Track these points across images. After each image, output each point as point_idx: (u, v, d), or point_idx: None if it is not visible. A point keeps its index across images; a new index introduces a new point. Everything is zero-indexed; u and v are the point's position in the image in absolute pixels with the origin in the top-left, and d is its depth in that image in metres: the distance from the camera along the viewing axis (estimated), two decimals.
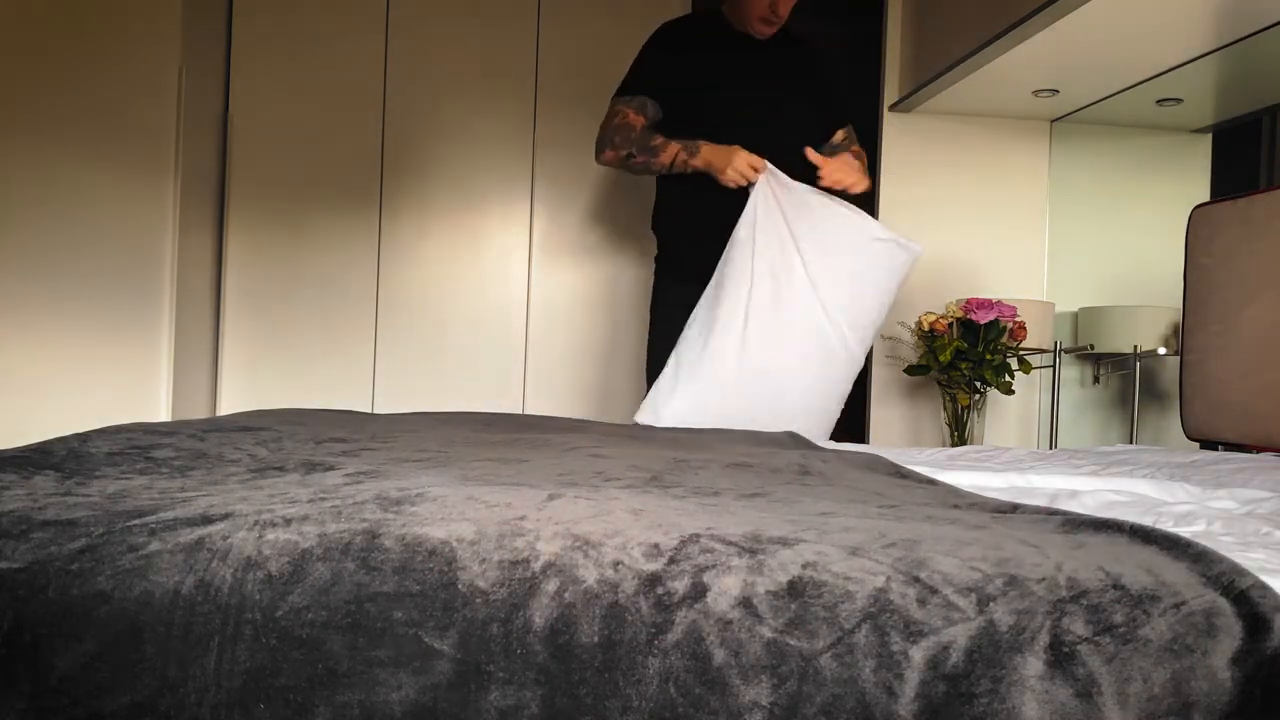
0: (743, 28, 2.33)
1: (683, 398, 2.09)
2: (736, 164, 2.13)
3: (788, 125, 2.34)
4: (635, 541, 0.69)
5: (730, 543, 0.70)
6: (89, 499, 0.78)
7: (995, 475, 1.45)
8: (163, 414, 2.78)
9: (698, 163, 2.18)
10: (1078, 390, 3.32)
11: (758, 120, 2.29)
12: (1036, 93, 2.90)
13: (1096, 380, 3.33)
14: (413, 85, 3.28)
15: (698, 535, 0.71)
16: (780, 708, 0.60)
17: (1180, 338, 2.66)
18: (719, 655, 0.62)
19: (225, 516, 0.72)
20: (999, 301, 2.84)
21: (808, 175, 2.26)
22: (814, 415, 2.18)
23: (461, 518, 0.73)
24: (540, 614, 0.63)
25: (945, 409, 2.94)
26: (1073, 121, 3.20)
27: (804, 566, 0.67)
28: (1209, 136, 3.25)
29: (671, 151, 2.20)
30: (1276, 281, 2.30)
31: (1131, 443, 2.93)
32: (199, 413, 3.08)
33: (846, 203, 2.26)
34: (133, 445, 1.09)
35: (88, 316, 2.76)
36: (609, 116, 2.32)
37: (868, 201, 3.05)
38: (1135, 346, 3.03)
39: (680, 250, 2.38)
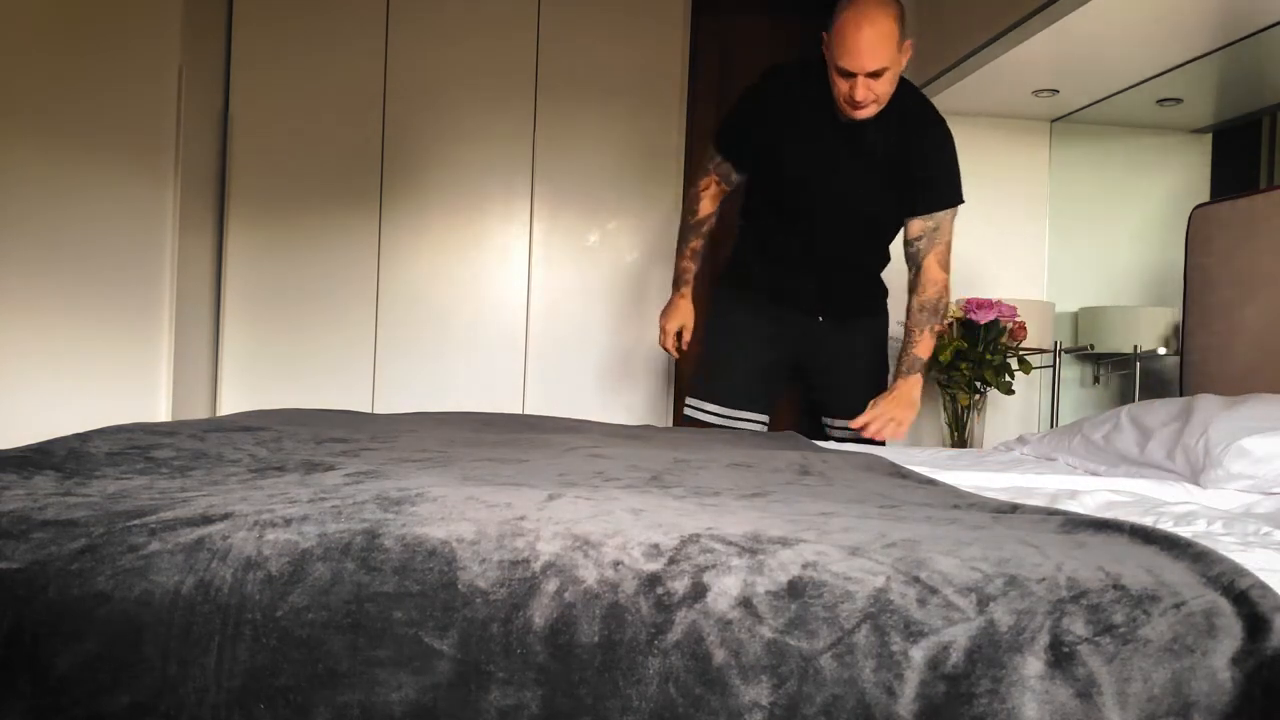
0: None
1: None
2: (660, 330, 2.37)
3: (861, 200, 2.26)
4: (635, 541, 0.69)
5: (730, 543, 0.70)
6: (89, 499, 0.78)
7: (995, 475, 1.45)
8: (163, 414, 2.77)
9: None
10: (1078, 390, 3.31)
11: (831, 189, 2.24)
12: (1036, 93, 2.90)
13: (1096, 380, 3.32)
14: (413, 85, 3.28)
15: (698, 535, 0.71)
16: (780, 708, 0.60)
17: (1180, 338, 2.66)
18: (719, 655, 0.61)
19: (225, 516, 0.72)
20: (999, 301, 2.84)
21: (873, 255, 2.33)
22: None
23: (461, 518, 0.73)
24: (540, 614, 0.63)
25: (945, 409, 2.94)
26: (1073, 121, 3.20)
27: (804, 566, 0.67)
28: (1209, 136, 3.25)
29: (674, 266, 2.44)
30: (1276, 281, 2.30)
31: None
32: (199, 413, 3.08)
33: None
34: (133, 445, 1.09)
35: (88, 317, 2.76)
36: (704, 169, 2.40)
37: None
38: (1135, 346, 3.03)
39: (746, 274, 2.42)
